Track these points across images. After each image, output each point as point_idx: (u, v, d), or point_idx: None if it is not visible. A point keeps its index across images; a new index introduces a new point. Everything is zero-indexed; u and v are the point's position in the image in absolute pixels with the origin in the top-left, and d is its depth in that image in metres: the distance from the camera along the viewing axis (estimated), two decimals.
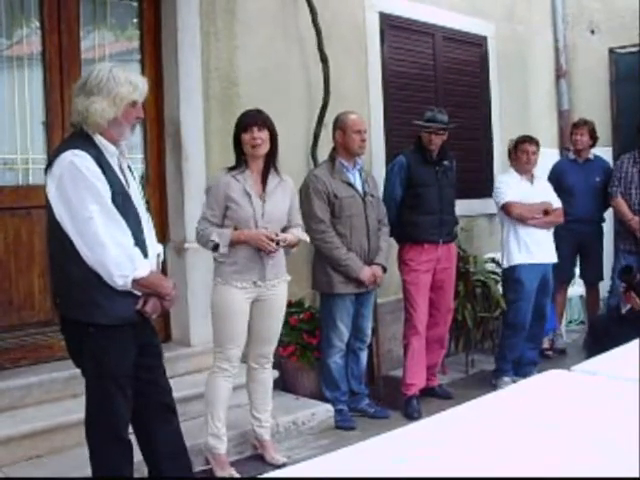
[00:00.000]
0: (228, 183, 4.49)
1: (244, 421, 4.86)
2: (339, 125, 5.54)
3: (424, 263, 5.82)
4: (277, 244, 4.45)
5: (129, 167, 3.65)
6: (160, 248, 3.78)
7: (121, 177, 3.50)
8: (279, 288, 4.65)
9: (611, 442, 1.45)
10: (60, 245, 3.38)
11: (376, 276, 5.45)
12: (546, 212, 6.28)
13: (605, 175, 7.40)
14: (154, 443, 3.73)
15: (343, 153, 5.49)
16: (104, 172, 3.38)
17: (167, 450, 3.76)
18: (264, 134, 4.53)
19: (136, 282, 3.40)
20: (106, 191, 3.36)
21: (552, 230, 6.49)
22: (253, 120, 4.56)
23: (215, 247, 4.42)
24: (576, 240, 7.20)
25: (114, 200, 3.38)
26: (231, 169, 4.57)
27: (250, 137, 4.50)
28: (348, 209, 5.39)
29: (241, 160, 4.59)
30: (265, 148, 4.55)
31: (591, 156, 7.47)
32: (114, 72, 3.47)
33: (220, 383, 4.49)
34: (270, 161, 4.61)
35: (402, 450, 1.48)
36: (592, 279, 7.57)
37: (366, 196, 5.49)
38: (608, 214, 7.63)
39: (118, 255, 3.34)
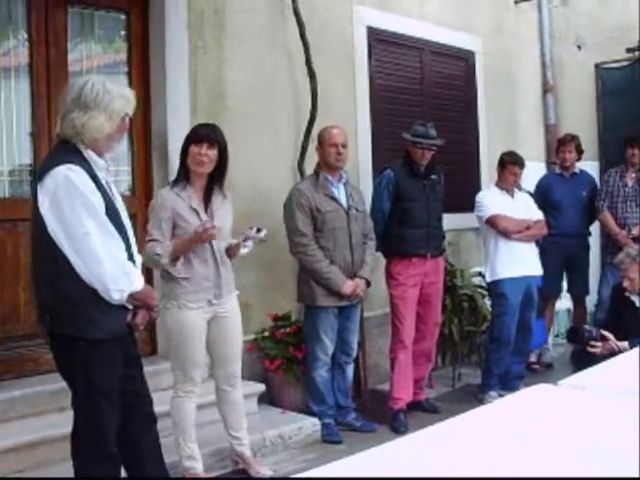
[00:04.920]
0: (174, 200, 4.36)
1: (219, 438, 4.81)
2: (319, 140, 5.59)
3: (412, 277, 5.82)
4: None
5: (112, 181, 3.63)
6: (140, 259, 3.77)
7: (108, 191, 3.50)
8: (231, 304, 4.57)
9: (599, 457, 1.44)
10: (52, 260, 3.34)
11: (359, 290, 5.46)
12: (527, 227, 6.31)
13: (591, 189, 7.45)
14: (139, 452, 3.73)
15: (325, 167, 5.51)
16: (97, 187, 3.37)
17: (150, 459, 3.76)
18: (212, 152, 4.39)
19: (130, 295, 3.40)
20: (101, 206, 3.35)
21: (537, 243, 6.52)
22: (206, 135, 4.42)
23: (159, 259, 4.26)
24: (563, 254, 7.23)
25: (107, 214, 3.37)
26: (174, 185, 4.45)
27: (197, 151, 4.36)
28: (331, 223, 5.39)
29: (182, 174, 4.46)
30: (209, 167, 4.42)
31: (577, 170, 7.50)
32: (107, 86, 3.44)
33: (187, 405, 4.42)
34: (215, 179, 4.49)
35: (389, 465, 1.47)
36: (579, 293, 7.60)
37: (350, 210, 5.49)
38: (594, 227, 7.67)
39: (115, 270, 3.33)
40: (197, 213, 4.38)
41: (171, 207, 4.34)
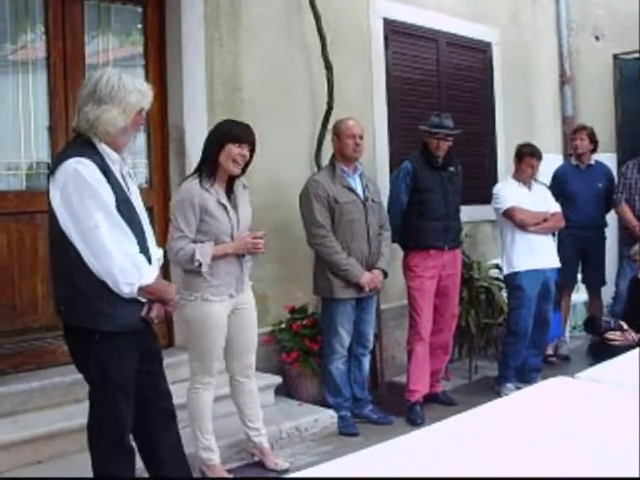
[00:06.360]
0: (202, 195, 4.29)
1: (236, 430, 4.81)
2: (335, 131, 5.57)
3: (429, 269, 5.81)
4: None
5: (129, 173, 3.63)
6: (160, 252, 3.77)
7: (123, 184, 3.50)
8: (247, 295, 4.58)
9: (615, 450, 1.44)
10: (65, 253, 3.36)
11: (376, 281, 5.45)
12: (545, 219, 6.28)
13: (607, 180, 7.41)
14: (156, 448, 3.73)
15: (341, 159, 5.50)
16: (108, 180, 3.37)
17: (169, 455, 3.76)
18: (248, 154, 4.42)
19: (142, 289, 3.40)
20: (111, 199, 3.35)
21: (555, 235, 6.49)
22: (250, 137, 4.44)
23: (199, 265, 4.24)
24: (579, 246, 7.20)
25: (118, 208, 3.37)
26: (201, 180, 4.35)
27: (239, 152, 4.34)
28: (348, 214, 5.38)
29: (210, 169, 4.37)
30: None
31: (593, 162, 7.46)
32: (123, 79, 3.44)
33: (204, 397, 4.42)
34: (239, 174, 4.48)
35: (405, 457, 1.47)
36: (594, 284, 7.56)
37: (367, 201, 5.48)
38: (612, 220, 7.62)
39: (124, 263, 3.33)
40: (225, 208, 4.35)
41: (199, 203, 4.27)
